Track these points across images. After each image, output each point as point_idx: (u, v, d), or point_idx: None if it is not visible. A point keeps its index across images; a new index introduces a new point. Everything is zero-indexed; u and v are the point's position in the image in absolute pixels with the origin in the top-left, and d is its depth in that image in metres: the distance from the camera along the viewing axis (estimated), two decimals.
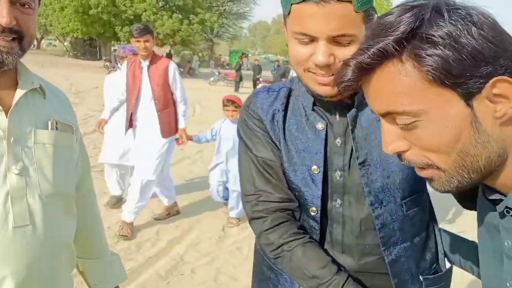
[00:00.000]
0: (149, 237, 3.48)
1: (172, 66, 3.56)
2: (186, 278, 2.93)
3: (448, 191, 0.64)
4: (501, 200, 0.63)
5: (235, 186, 3.67)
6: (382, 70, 0.59)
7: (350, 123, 0.92)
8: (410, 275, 0.95)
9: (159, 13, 24.28)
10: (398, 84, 0.58)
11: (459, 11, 0.56)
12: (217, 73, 20.60)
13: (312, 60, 0.84)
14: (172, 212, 3.92)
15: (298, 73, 0.92)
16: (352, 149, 0.92)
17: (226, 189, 3.92)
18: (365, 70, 0.60)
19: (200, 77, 22.23)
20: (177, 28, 23.94)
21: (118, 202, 4.04)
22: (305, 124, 0.95)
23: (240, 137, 1.03)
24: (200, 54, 29.36)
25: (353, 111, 0.92)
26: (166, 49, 27.37)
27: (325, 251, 0.96)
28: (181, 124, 3.62)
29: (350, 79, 0.62)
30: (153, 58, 3.49)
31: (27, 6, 0.84)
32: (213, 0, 29.73)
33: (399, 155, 0.65)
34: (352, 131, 0.92)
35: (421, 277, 0.97)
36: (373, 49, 0.58)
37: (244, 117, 1.03)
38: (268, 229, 0.96)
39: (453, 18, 0.55)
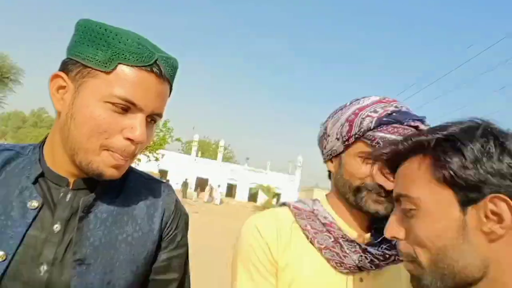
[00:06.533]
0: None
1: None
2: None
3: None
4: None
5: None
6: (410, 159, 0.69)
7: (82, 209, 0.78)
8: None
9: None
10: (413, 172, 0.68)
11: (502, 139, 0.63)
12: None
13: (126, 134, 0.75)
14: None
15: (84, 147, 0.76)
16: (71, 240, 0.76)
17: None
18: (398, 156, 0.71)
19: None
20: None
21: None
22: (14, 198, 0.76)
23: None
24: None
25: (91, 196, 0.79)
26: None
27: None
28: None
29: (386, 159, 0.73)
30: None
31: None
32: None
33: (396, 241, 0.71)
34: (81, 219, 0.77)
35: None
36: (409, 141, 0.69)
37: None
38: None
39: (491, 140, 0.63)
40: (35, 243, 0.75)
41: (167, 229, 0.87)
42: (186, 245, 0.93)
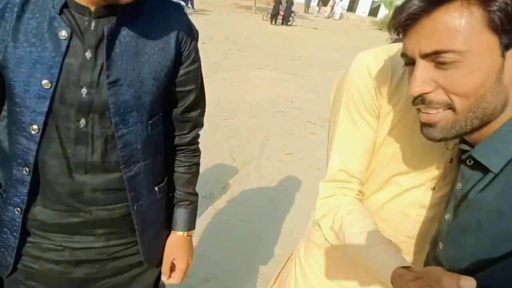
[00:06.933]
0: None
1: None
2: None
3: (441, 139, 0.68)
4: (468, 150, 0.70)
5: None
6: (449, 6, 0.60)
7: (107, 36, 0.82)
8: (147, 188, 1.00)
9: None
10: (458, 23, 0.60)
11: None
12: None
13: None
14: None
15: None
16: (103, 65, 0.83)
17: None
18: (434, 3, 0.61)
19: None
20: None
21: None
22: (46, 30, 0.81)
23: None
24: None
25: (112, 23, 0.83)
26: None
27: (62, 175, 0.89)
28: None
29: (416, 8, 0.62)
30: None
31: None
32: None
33: (419, 96, 0.67)
34: (108, 45, 0.83)
35: (156, 188, 1.04)
36: None
37: None
38: None
39: None
40: (73, 69, 0.83)
41: (182, 47, 0.94)
42: (199, 60, 1.00)
